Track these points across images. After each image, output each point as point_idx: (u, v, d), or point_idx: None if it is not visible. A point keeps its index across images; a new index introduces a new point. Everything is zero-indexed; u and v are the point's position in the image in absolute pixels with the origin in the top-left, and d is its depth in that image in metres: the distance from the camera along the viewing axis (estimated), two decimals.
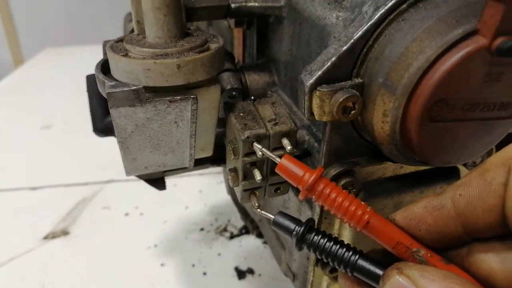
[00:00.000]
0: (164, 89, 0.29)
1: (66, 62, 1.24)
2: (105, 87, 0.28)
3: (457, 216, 0.23)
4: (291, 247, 0.42)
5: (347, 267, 0.26)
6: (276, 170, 0.28)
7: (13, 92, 1.11)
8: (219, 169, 0.71)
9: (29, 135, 0.88)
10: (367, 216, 0.25)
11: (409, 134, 0.26)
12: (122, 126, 0.30)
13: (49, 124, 0.92)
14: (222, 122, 0.36)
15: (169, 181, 0.69)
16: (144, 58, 0.28)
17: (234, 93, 0.38)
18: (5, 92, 1.11)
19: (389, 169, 0.33)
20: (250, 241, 0.59)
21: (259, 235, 0.59)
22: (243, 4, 0.35)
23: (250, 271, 0.53)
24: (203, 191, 0.69)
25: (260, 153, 0.31)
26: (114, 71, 0.30)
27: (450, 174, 0.35)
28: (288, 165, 0.27)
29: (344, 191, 0.26)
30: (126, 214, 0.64)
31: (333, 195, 0.26)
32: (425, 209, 0.24)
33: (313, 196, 0.27)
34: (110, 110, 0.28)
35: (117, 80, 0.29)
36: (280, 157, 0.28)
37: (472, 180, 0.23)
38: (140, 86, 0.28)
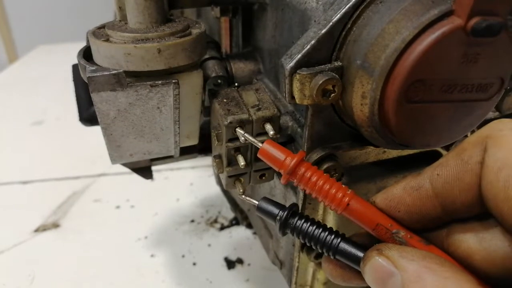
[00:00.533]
0: (145, 74, 0.29)
1: (59, 59, 1.23)
2: (86, 72, 0.28)
3: (435, 196, 0.23)
4: (277, 235, 0.42)
5: (329, 250, 0.26)
6: (258, 155, 0.28)
7: (5, 88, 1.10)
8: (209, 162, 0.72)
9: (20, 131, 0.88)
10: (347, 198, 0.25)
11: (387, 116, 0.26)
12: (104, 112, 0.30)
13: (40, 119, 0.92)
14: (208, 111, 0.36)
15: (160, 174, 0.70)
16: (125, 42, 0.28)
17: (219, 81, 0.38)
18: None
19: (372, 154, 0.33)
20: (240, 232, 0.59)
21: (249, 226, 0.59)
22: None
23: (240, 261, 0.54)
24: (194, 184, 0.69)
25: (243, 138, 0.31)
26: (96, 57, 0.30)
27: (433, 159, 0.35)
28: (270, 150, 0.27)
29: (325, 174, 0.26)
30: (117, 207, 0.64)
31: (314, 179, 0.26)
32: (403, 190, 0.24)
33: (295, 180, 0.27)
34: (91, 95, 0.28)
35: (98, 65, 0.29)
36: (263, 142, 0.28)
37: (450, 159, 0.23)
38: (121, 70, 0.28)
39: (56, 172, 0.73)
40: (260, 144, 0.28)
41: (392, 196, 0.25)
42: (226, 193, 0.63)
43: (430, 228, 0.25)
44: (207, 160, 0.72)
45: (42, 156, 0.78)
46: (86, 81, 0.28)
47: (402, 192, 0.24)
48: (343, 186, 0.26)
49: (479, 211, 0.22)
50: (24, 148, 0.81)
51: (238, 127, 0.32)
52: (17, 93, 1.07)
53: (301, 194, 0.33)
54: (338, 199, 0.25)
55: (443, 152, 0.35)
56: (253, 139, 0.30)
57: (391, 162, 0.34)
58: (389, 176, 0.34)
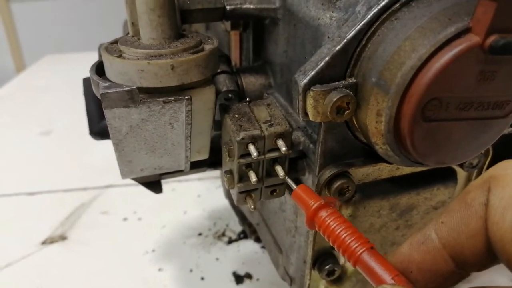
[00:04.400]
0: (158, 90, 0.29)
1: (66, 69, 1.24)
2: (99, 88, 0.28)
3: (443, 247, 0.21)
4: (288, 251, 0.41)
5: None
6: (292, 197, 0.29)
7: (13, 98, 1.11)
8: (217, 174, 0.71)
9: (28, 141, 0.88)
10: (362, 250, 0.23)
11: (403, 134, 0.26)
12: (116, 128, 0.30)
13: (48, 129, 0.92)
14: (218, 125, 0.36)
15: (167, 185, 0.70)
16: (138, 59, 0.28)
17: (230, 95, 0.38)
18: (5, 98, 1.11)
19: (385, 170, 0.33)
20: (248, 246, 0.58)
21: (257, 240, 0.58)
22: (238, 6, 0.35)
23: (248, 276, 0.53)
24: (202, 196, 0.69)
25: (256, 154, 0.31)
26: (108, 73, 0.30)
27: (446, 175, 0.35)
28: (301, 193, 0.28)
29: (348, 223, 0.25)
30: (125, 219, 0.64)
31: (333, 226, 0.25)
32: (410, 246, 0.23)
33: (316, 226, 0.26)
34: (104, 111, 0.28)
35: (111, 81, 0.29)
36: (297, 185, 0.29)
37: (454, 205, 0.21)
38: (134, 87, 0.28)
39: (63, 183, 0.73)
40: (295, 186, 0.29)
41: (401, 256, 0.23)
42: (234, 206, 0.63)
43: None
44: (215, 172, 0.72)
45: (50, 167, 0.78)
46: (99, 97, 0.28)
47: (409, 249, 0.23)
48: (363, 237, 0.24)
49: (489, 260, 0.20)
50: (32, 159, 0.81)
51: (250, 143, 0.31)
52: (24, 102, 1.07)
53: None
54: (351, 250, 0.23)
55: (457, 169, 0.35)
56: (290, 181, 0.31)
57: (404, 178, 0.34)
58: (402, 193, 0.34)
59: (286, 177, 0.32)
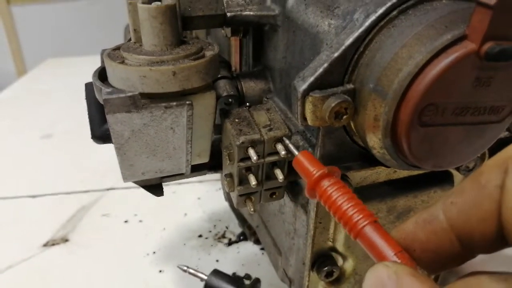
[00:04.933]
0: (160, 96, 0.29)
1: (67, 72, 1.25)
2: (102, 94, 0.29)
3: (450, 229, 0.20)
4: (287, 253, 0.42)
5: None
6: (293, 164, 0.28)
7: (14, 102, 1.12)
8: (217, 176, 0.72)
9: (29, 144, 0.89)
10: (364, 223, 0.22)
11: (400, 139, 0.26)
12: (118, 132, 0.30)
13: (49, 133, 0.93)
14: (219, 129, 0.37)
15: (168, 188, 0.70)
16: (140, 65, 0.29)
17: (230, 100, 0.38)
18: (7, 102, 1.12)
19: (383, 173, 0.33)
20: (248, 248, 0.59)
21: (257, 242, 0.59)
22: (239, 13, 0.36)
23: (248, 277, 0.53)
24: (202, 198, 0.69)
25: (255, 158, 0.32)
26: (111, 78, 0.30)
27: (443, 179, 0.35)
28: (303, 160, 0.27)
29: (352, 194, 0.24)
30: (126, 222, 0.65)
31: (335, 196, 0.23)
32: (416, 224, 0.21)
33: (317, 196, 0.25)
34: (107, 116, 0.28)
35: (114, 87, 0.30)
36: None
37: (466, 185, 0.20)
38: (136, 93, 0.28)
39: (65, 186, 0.73)
40: (296, 152, 0.28)
41: (405, 233, 0.21)
42: (234, 208, 0.63)
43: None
44: (215, 174, 0.72)
45: (51, 170, 0.79)
46: (102, 103, 0.28)
47: (414, 227, 0.21)
48: (367, 210, 0.23)
49: (499, 244, 0.19)
50: (33, 162, 0.82)
51: (250, 147, 0.32)
52: (26, 106, 1.08)
53: (312, 213, 0.33)
54: (353, 223, 0.22)
55: (454, 172, 0.35)
56: (292, 148, 0.30)
57: (401, 181, 0.34)
58: (399, 196, 0.34)
59: (287, 141, 0.30)
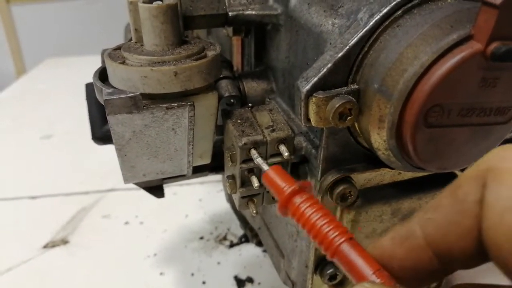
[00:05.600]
0: (161, 96, 0.29)
1: (67, 72, 1.24)
2: (102, 95, 0.28)
3: (428, 245, 0.19)
4: (290, 255, 0.41)
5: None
6: (262, 180, 0.25)
7: (14, 102, 1.11)
8: (218, 177, 0.71)
9: (29, 145, 0.88)
10: (341, 240, 0.20)
11: (405, 140, 0.26)
12: (119, 133, 0.30)
13: (49, 133, 0.92)
14: (221, 130, 0.36)
15: (169, 189, 0.70)
16: (141, 65, 0.28)
17: (232, 100, 0.38)
18: (6, 102, 1.11)
19: (387, 175, 0.33)
20: (250, 250, 0.58)
21: (259, 244, 0.58)
22: (241, 12, 0.36)
23: (250, 280, 0.53)
24: (203, 200, 0.69)
25: (258, 159, 0.31)
26: (111, 79, 0.30)
27: (448, 180, 0.34)
28: (273, 176, 0.24)
29: (325, 209, 0.22)
30: (126, 223, 0.64)
31: (308, 213, 0.22)
32: (392, 241, 0.20)
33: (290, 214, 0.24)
34: (108, 117, 0.28)
35: (114, 88, 0.29)
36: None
37: (442, 199, 0.19)
38: (137, 93, 0.28)
39: (65, 187, 0.73)
40: (266, 168, 0.26)
41: (382, 250, 0.20)
42: (235, 210, 0.63)
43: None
44: (216, 176, 0.71)
45: (51, 171, 0.78)
46: (103, 103, 0.28)
47: (391, 244, 0.20)
48: (342, 226, 0.21)
49: (480, 259, 0.18)
50: (33, 163, 0.82)
51: (253, 148, 0.32)
52: (25, 106, 1.07)
53: None
54: (329, 241, 0.21)
55: (459, 173, 0.35)
56: (261, 161, 0.29)
57: (406, 183, 0.34)
58: (404, 198, 0.34)
59: (257, 158, 0.29)
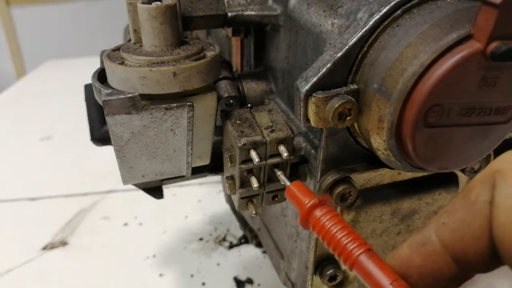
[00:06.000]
0: (160, 97, 0.29)
1: (67, 74, 1.24)
2: (101, 95, 0.28)
3: (444, 250, 0.19)
4: (289, 256, 0.41)
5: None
6: (285, 195, 0.27)
7: (14, 103, 1.11)
8: (218, 178, 0.71)
9: (29, 146, 0.88)
10: (360, 251, 0.21)
11: (404, 140, 0.26)
12: (118, 134, 0.30)
13: (49, 135, 0.92)
14: (220, 131, 0.36)
15: (168, 190, 0.70)
16: (140, 66, 0.28)
17: (231, 101, 0.38)
18: (6, 104, 1.11)
19: (387, 175, 0.33)
20: (250, 251, 0.58)
21: (258, 245, 0.58)
22: (240, 13, 0.36)
23: (249, 281, 0.53)
24: (202, 201, 0.69)
25: (257, 160, 0.31)
26: (110, 79, 0.30)
27: (448, 180, 0.35)
28: (294, 190, 0.26)
29: (345, 222, 0.23)
30: (125, 224, 0.64)
31: (328, 225, 0.23)
32: (410, 248, 0.20)
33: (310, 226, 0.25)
34: (106, 118, 0.28)
35: (113, 88, 0.29)
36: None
37: (456, 203, 0.19)
38: (136, 94, 0.28)
39: (64, 189, 0.73)
40: (288, 183, 0.27)
41: (400, 259, 0.20)
42: (235, 211, 0.63)
43: None
44: (215, 176, 0.71)
45: (50, 172, 0.78)
46: (101, 104, 0.28)
47: (409, 252, 0.20)
48: (361, 238, 0.22)
49: (496, 262, 0.18)
50: (32, 164, 0.81)
51: (252, 149, 0.31)
52: (25, 108, 1.07)
53: None
54: (348, 252, 0.21)
55: (459, 173, 0.35)
56: (283, 177, 0.30)
57: (406, 183, 0.34)
58: (404, 198, 0.34)
59: (279, 173, 0.31)
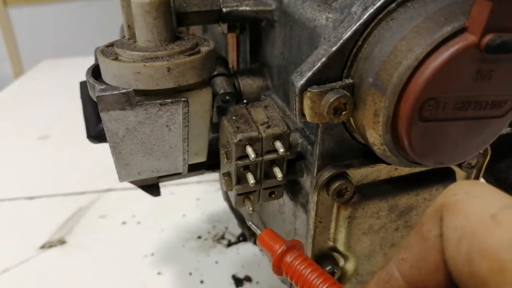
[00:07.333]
0: (154, 93, 0.29)
1: (64, 74, 1.24)
2: (95, 91, 0.28)
3: (407, 285, 0.20)
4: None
5: None
6: (257, 243, 0.28)
7: (11, 103, 1.11)
8: (216, 176, 0.71)
9: (26, 145, 0.88)
10: None
11: (400, 134, 0.25)
12: (113, 130, 0.30)
13: (46, 134, 0.92)
14: (216, 128, 0.36)
15: (166, 189, 0.70)
16: (134, 61, 0.28)
17: (227, 97, 0.37)
18: (3, 103, 1.11)
19: (384, 171, 0.33)
20: (248, 249, 0.58)
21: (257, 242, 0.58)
22: (235, 8, 0.35)
23: (248, 279, 0.53)
24: (201, 199, 0.68)
25: (253, 156, 0.31)
26: (104, 75, 0.30)
27: (445, 176, 0.34)
28: (265, 238, 0.27)
29: (315, 265, 0.24)
30: (123, 223, 0.64)
31: (300, 268, 0.24)
32: (376, 285, 0.21)
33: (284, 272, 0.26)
34: (101, 114, 0.28)
35: (107, 84, 0.29)
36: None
37: (411, 239, 0.20)
38: (130, 89, 0.28)
39: (62, 188, 0.73)
40: (259, 231, 0.28)
41: None
42: (233, 209, 0.62)
43: None
44: (213, 175, 0.71)
45: (48, 171, 0.78)
46: (95, 100, 0.28)
47: None
48: (331, 278, 0.23)
49: None
50: (30, 163, 0.81)
51: (248, 145, 0.31)
52: (23, 107, 1.07)
53: (312, 212, 0.33)
54: None
55: (456, 169, 0.35)
56: (255, 228, 0.30)
57: (403, 179, 0.33)
58: (401, 194, 0.33)
59: (250, 223, 0.31)
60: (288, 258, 0.25)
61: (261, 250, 0.57)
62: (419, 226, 0.20)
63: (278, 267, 0.25)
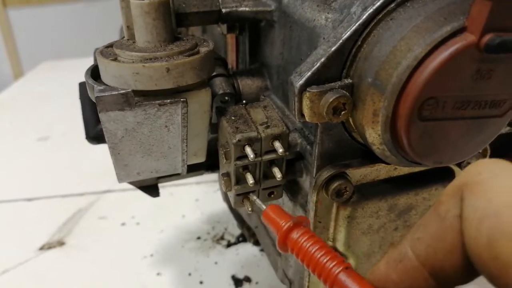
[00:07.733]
0: (153, 93, 0.29)
1: (64, 75, 1.24)
2: (94, 92, 0.28)
3: (421, 265, 0.19)
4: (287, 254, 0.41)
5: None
6: (262, 218, 0.27)
7: (11, 104, 1.11)
8: (215, 177, 0.71)
9: (26, 147, 0.88)
10: (339, 269, 0.21)
11: (399, 134, 0.25)
12: (112, 131, 0.30)
13: (46, 135, 0.92)
14: (216, 128, 0.36)
15: (165, 190, 0.70)
16: (133, 62, 0.28)
17: (226, 98, 0.37)
18: (3, 104, 1.11)
19: (383, 171, 0.33)
20: (247, 249, 0.58)
21: (256, 243, 0.58)
22: (234, 9, 0.35)
23: (247, 279, 0.53)
24: (200, 200, 0.68)
25: (252, 156, 0.31)
26: (103, 76, 0.30)
27: (444, 175, 0.34)
28: (271, 214, 0.26)
29: (322, 242, 0.23)
30: (123, 224, 0.64)
31: (306, 245, 0.23)
32: (387, 265, 0.20)
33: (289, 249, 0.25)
34: (100, 115, 0.28)
35: (106, 85, 0.29)
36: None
37: (428, 218, 0.19)
38: (129, 90, 0.27)
39: (61, 189, 0.73)
40: (264, 207, 0.27)
41: (378, 276, 0.20)
42: (232, 209, 0.62)
43: None
44: (212, 175, 0.71)
45: (47, 173, 0.78)
46: (94, 101, 0.28)
47: (386, 268, 0.20)
48: (339, 256, 0.22)
49: (472, 274, 0.18)
50: (29, 165, 0.81)
51: (247, 145, 0.31)
52: (22, 109, 1.07)
53: (311, 212, 0.33)
54: (327, 271, 0.22)
55: (455, 168, 0.35)
56: (259, 202, 0.30)
57: (402, 179, 0.33)
58: (400, 193, 0.33)
59: (255, 198, 0.31)
60: (295, 235, 0.24)
61: (261, 250, 0.57)
62: (436, 205, 0.19)
63: (284, 244, 0.24)
